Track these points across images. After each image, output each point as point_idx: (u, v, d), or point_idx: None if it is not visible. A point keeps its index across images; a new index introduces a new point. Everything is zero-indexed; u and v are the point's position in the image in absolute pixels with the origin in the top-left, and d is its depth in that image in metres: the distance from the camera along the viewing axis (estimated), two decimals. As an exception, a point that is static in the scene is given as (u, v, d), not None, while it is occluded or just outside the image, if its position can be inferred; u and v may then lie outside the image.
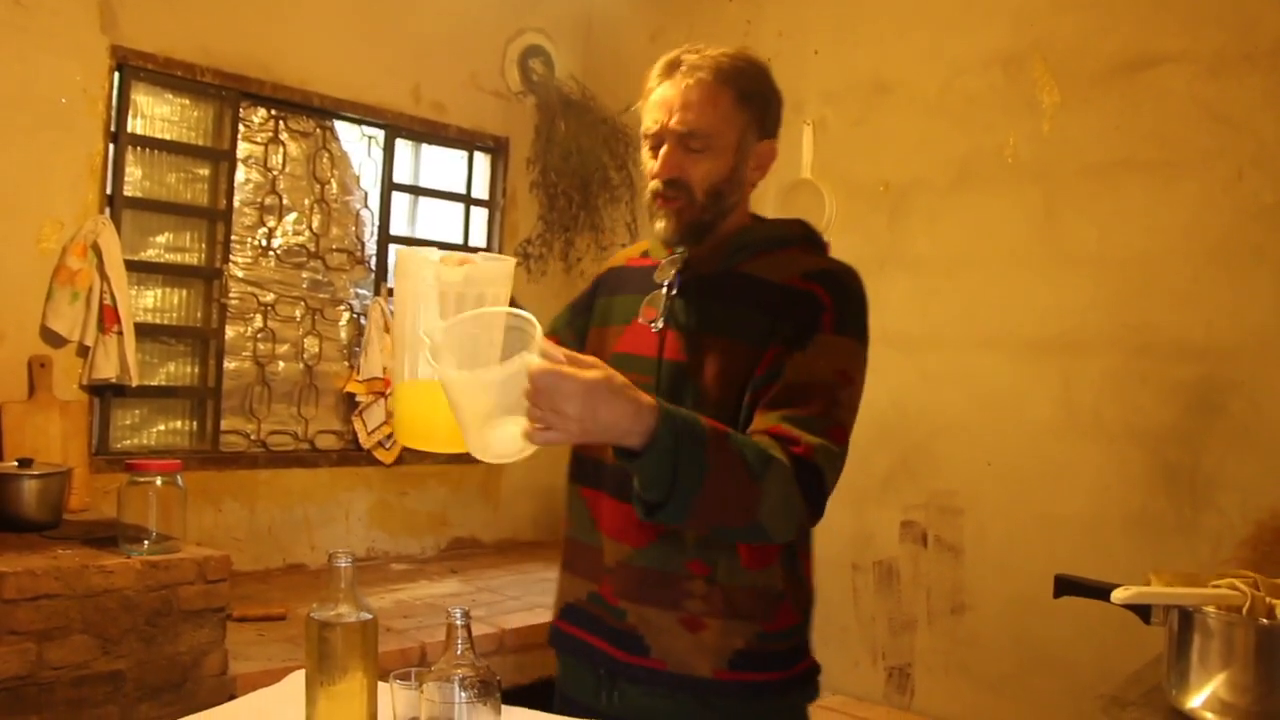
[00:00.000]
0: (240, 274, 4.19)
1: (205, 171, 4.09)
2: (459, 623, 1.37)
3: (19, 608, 2.59)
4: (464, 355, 1.33)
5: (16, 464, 3.20)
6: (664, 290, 1.64)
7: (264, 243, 4.26)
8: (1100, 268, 3.46)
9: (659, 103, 1.59)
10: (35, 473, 3.15)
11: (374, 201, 4.59)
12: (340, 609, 1.59)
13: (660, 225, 1.62)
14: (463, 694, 1.29)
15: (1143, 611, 1.46)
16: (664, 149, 1.58)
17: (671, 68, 1.60)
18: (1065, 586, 1.56)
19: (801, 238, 1.68)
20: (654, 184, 1.60)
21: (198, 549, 3.00)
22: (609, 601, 1.63)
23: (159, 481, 2.90)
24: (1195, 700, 1.40)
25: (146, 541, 2.88)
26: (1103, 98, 3.48)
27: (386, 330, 4.46)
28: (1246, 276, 3.16)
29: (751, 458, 1.35)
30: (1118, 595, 1.42)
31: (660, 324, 1.62)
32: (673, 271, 1.65)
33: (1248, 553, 3.08)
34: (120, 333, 3.65)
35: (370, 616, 1.62)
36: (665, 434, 1.28)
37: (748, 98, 1.59)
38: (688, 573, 1.56)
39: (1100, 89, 3.49)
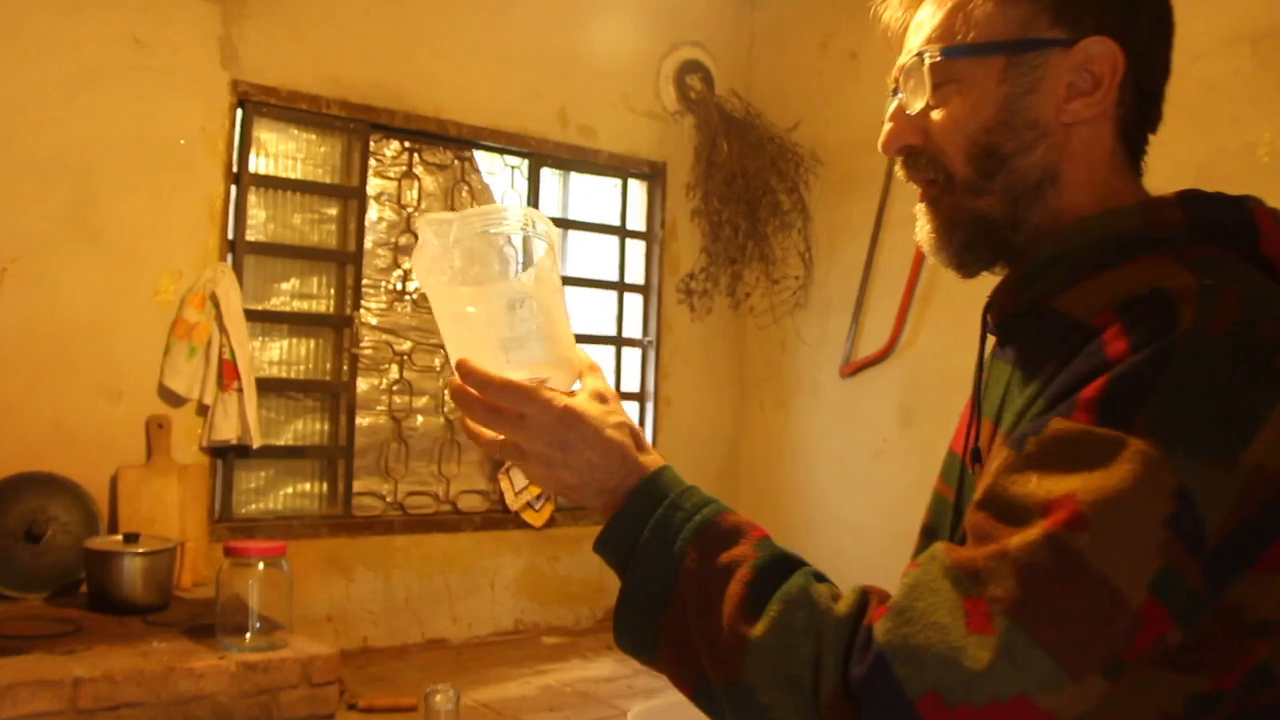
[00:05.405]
0: (373, 321, 3.91)
1: (334, 211, 3.81)
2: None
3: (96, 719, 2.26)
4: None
5: (123, 539, 2.96)
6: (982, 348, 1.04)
7: (399, 286, 3.96)
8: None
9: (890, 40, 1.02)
10: (141, 550, 2.92)
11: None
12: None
13: (919, 230, 1.00)
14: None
15: None
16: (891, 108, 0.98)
17: None
18: None
19: (1151, 236, 0.87)
20: (896, 168, 1.02)
21: (305, 644, 2.63)
22: None
23: (261, 566, 2.59)
24: None
25: (248, 633, 2.56)
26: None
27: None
28: None
29: (760, 582, 0.84)
30: None
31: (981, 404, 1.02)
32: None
33: None
34: (240, 390, 3.36)
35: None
36: (639, 504, 0.92)
37: None
38: None
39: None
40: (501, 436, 0.94)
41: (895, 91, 0.98)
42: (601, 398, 0.96)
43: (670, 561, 0.88)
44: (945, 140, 0.94)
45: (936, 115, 0.94)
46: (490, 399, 0.92)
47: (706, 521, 0.90)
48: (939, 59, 0.93)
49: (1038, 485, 0.76)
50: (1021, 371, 0.90)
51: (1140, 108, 0.95)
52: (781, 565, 0.86)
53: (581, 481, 0.94)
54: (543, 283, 0.93)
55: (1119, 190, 0.93)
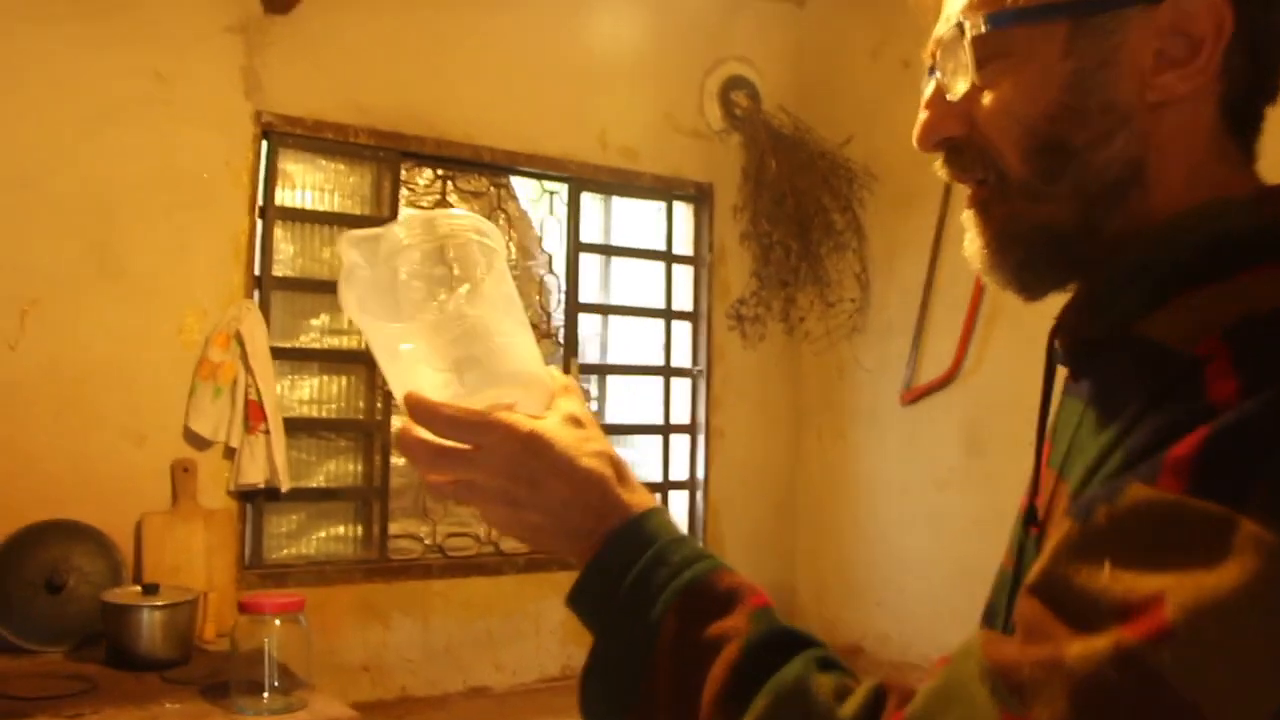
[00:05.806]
0: (407, 356, 3.72)
1: (365, 243, 3.65)
2: None
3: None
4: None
5: (141, 591, 2.82)
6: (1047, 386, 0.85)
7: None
8: None
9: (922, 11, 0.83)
10: (160, 603, 2.77)
11: (560, 265, 4.07)
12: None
13: (968, 244, 0.80)
14: None
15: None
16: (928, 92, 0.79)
17: None
18: None
19: (1273, 238, 0.67)
20: (936, 166, 0.81)
21: (325, 703, 2.46)
22: None
23: (277, 622, 2.42)
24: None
25: (265, 694, 2.39)
26: None
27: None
28: None
29: (749, 666, 0.69)
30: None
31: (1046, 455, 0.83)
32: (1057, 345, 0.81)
33: None
34: (267, 431, 3.22)
35: None
36: (619, 552, 0.77)
37: None
38: None
39: None
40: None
41: (932, 71, 0.78)
42: (576, 422, 0.80)
43: (645, 629, 0.73)
44: (995, 130, 0.74)
45: (985, 99, 0.74)
46: (440, 434, 0.75)
47: (696, 581, 0.74)
48: (984, 30, 0.72)
49: (1112, 578, 0.56)
50: (1096, 413, 0.70)
51: (1253, 76, 0.72)
52: (779, 645, 0.70)
53: (551, 522, 0.78)
54: (488, 296, 0.77)
55: (1226, 182, 0.71)
